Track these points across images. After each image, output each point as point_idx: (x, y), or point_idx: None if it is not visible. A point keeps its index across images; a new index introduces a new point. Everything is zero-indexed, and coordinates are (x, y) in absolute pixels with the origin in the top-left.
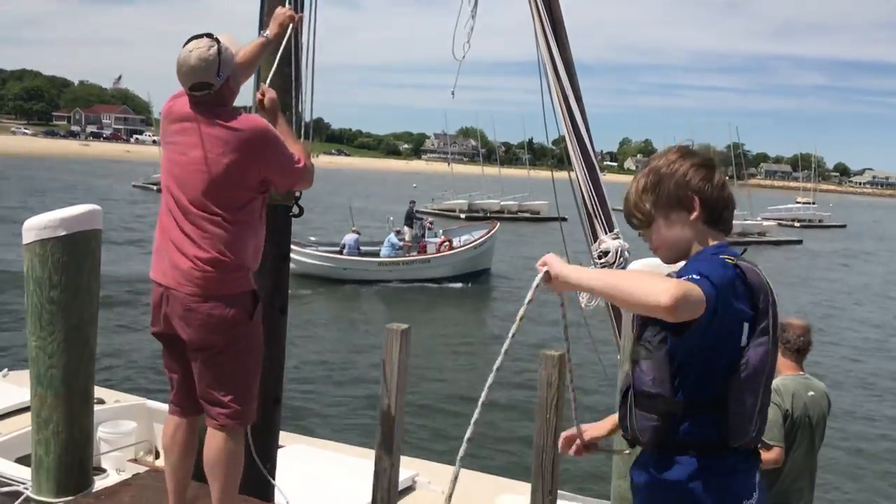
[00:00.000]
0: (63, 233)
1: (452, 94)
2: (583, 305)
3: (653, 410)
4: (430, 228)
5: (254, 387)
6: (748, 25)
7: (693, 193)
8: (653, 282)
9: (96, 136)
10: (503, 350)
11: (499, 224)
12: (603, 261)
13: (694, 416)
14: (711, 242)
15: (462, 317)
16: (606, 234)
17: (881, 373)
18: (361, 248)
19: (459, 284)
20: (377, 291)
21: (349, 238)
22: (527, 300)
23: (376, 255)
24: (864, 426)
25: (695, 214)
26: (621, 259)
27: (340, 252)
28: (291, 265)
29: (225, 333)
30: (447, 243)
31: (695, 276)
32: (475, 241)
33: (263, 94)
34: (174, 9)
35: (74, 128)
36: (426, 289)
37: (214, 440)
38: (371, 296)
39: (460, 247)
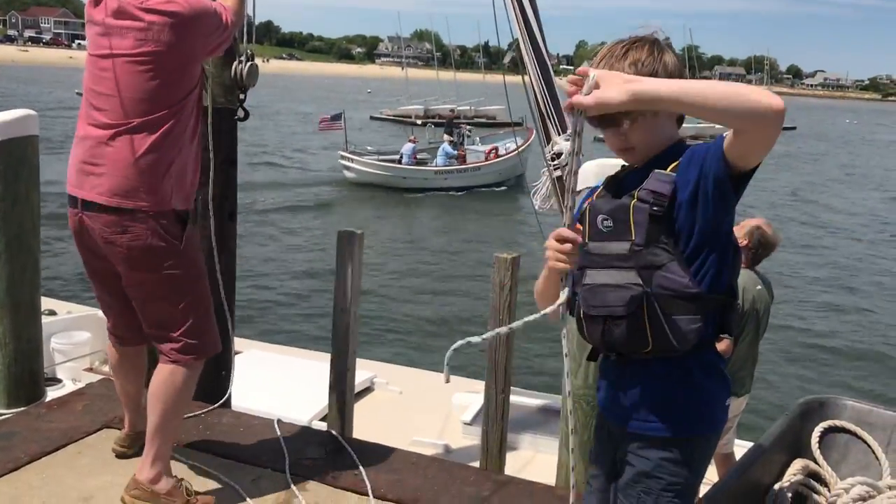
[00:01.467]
0: None
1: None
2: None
3: (697, 311)
4: (468, 136)
5: (205, 316)
6: None
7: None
8: (749, 88)
9: (35, 40)
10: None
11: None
12: (556, 162)
13: (717, 308)
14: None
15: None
16: (559, 135)
17: (813, 264)
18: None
19: (504, 188)
20: (433, 198)
21: (406, 147)
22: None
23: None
24: (799, 315)
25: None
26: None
27: (399, 161)
28: (351, 174)
29: (153, 266)
30: (494, 151)
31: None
32: (519, 148)
33: None
34: None
35: (11, 32)
36: (478, 194)
37: (164, 373)
38: (428, 202)
39: (505, 154)
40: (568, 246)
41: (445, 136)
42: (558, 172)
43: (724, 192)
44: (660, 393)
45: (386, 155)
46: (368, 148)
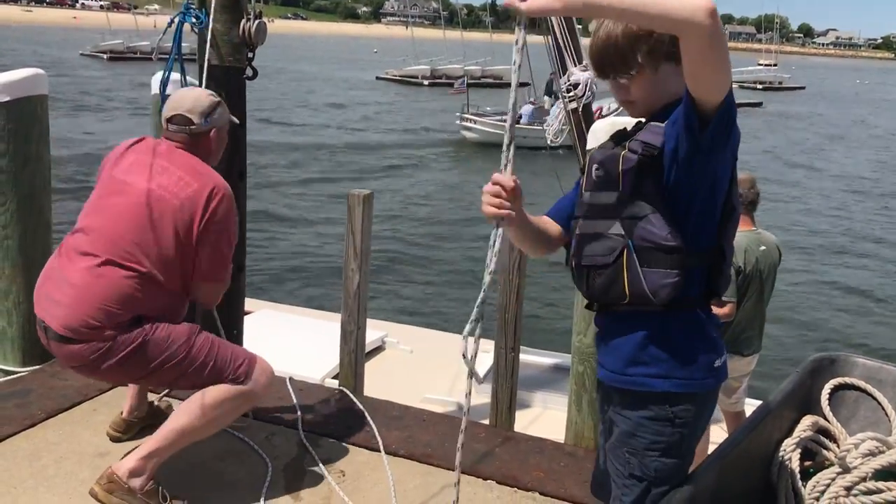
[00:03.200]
0: (6, 98)
1: None
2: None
3: (673, 265)
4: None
5: (222, 362)
6: None
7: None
8: None
9: (39, 0)
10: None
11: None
12: (572, 93)
13: (700, 267)
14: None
15: None
16: (576, 66)
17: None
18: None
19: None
20: (549, 156)
21: (526, 108)
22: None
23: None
24: (809, 276)
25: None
26: (589, 92)
27: (518, 121)
28: (472, 134)
29: (151, 364)
30: (599, 111)
31: None
32: (618, 108)
33: None
34: None
35: None
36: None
37: (224, 389)
38: (541, 160)
39: (609, 113)
40: (496, 188)
41: (546, 98)
42: (573, 104)
43: (694, 137)
44: (639, 348)
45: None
46: (489, 109)
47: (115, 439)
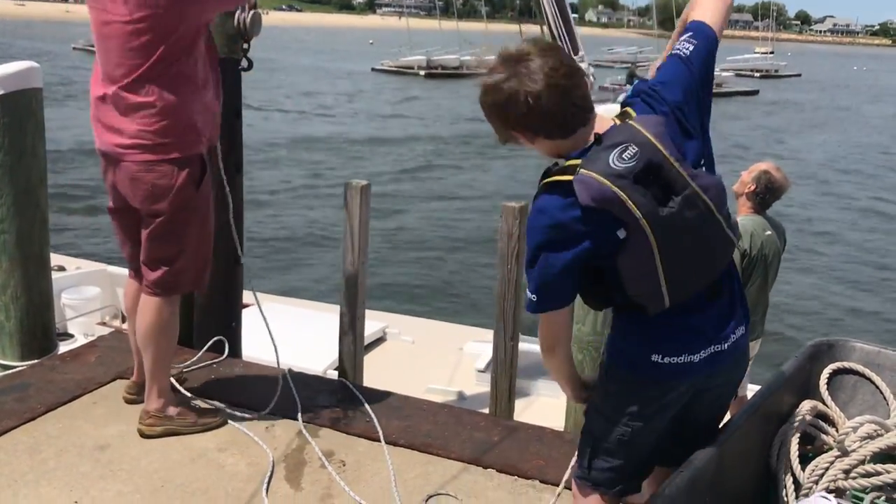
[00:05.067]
0: (0, 92)
1: None
2: None
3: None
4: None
5: (189, 257)
6: None
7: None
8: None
9: None
10: None
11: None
12: None
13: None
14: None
15: None
16: (573, 55)
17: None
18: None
19: None
20: None
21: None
22: None
23: None
24: (813, 260)
25: (525, 140)
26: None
27: None
28: None
29: (168, 201)
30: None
31: (529, 295)
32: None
33: None
34: None
35: None
36: None
37: (145, 307)
38: None
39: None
40: None
41: (628, 86)
42: None
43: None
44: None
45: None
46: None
47: (131, 402)
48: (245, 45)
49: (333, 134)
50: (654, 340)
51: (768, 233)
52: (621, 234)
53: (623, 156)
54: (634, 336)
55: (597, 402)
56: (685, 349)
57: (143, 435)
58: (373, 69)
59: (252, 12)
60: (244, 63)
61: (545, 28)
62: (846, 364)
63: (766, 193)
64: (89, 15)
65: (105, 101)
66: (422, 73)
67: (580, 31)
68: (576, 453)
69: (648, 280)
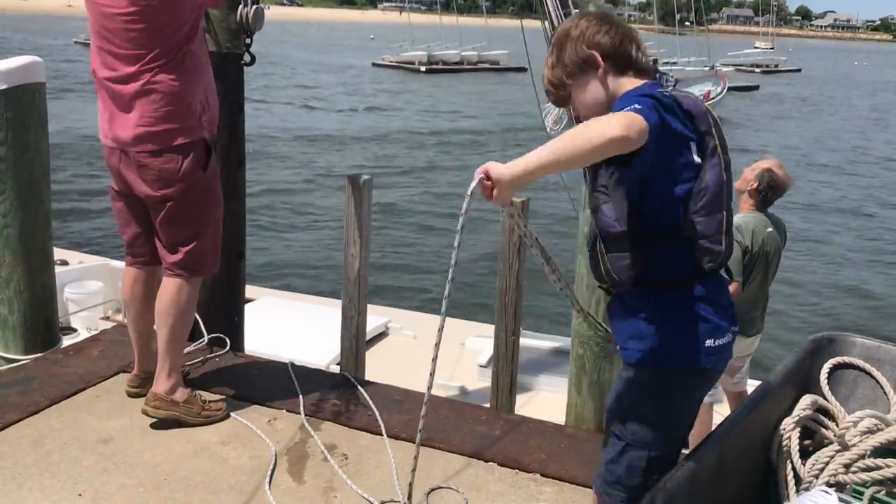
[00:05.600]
0: (4, 86)
1: None
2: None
3: (623, 249)
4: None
5: (207, 239)
6: None
7: (591, 49)
8: (596, 125)
9: None
10: (453, 258)
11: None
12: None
13: (663, 248)
14: (629, 87)
15: None
16: None
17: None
18: None
19: None
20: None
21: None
22: (463, 209)
23: None
24: (813, 255)
25: (601, 70)
26: None
27: None
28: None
29: (177, 185)
30: (706, 94)
31: (635, 107)
32: (721, 93)
33: None
34: None
35: None
36: None
37: (166, 288)
38: None
39: (714, 98)
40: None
41: None
42: None
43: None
44: (628, 323)
45: None
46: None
47: (134, 395)
48: (248, 40)
49: (334, 128)
50: (705, 323)
51: (769, 230)
52: (697, 158)
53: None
54: (687, 322)
55: (636, 410)
56: (725, 329)
57: (147, 415)
58: (373, 64)
59: (255, 7)
60: (247, 58)
61: (546, 23)
62: (846, 359)
63: (768, 191)
64: (87, 9)
65: (108, 91)
66: (422, 68)
67: None
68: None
69: (714, 218)
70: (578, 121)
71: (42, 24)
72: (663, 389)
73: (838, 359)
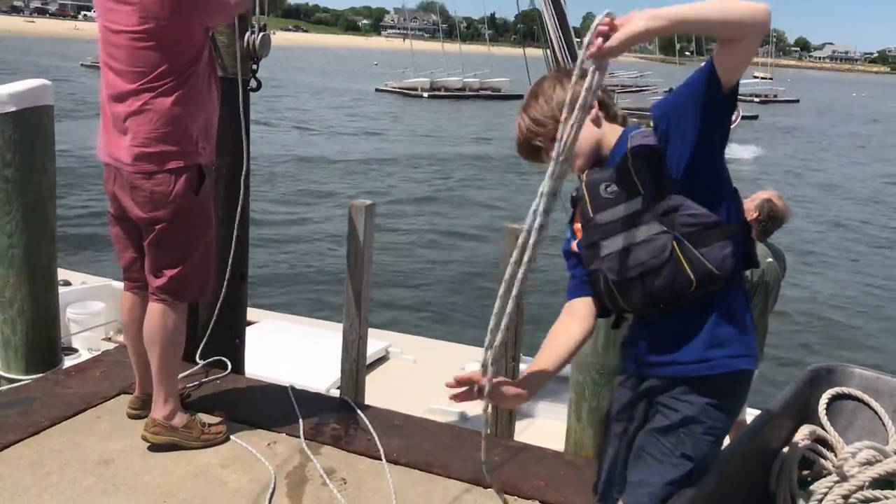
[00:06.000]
0: (13, 108)
1: None
2: None
3: (724, 237)
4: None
5: (195, 264)
6: None
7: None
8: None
9: (41, 11)
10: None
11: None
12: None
13: (737, 239)
14: (614, 132)
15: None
16: None
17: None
18: None
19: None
20: None
21: None
22: (579, 60)
23: None
24: (810, 285)
25: (593, 112)
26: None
27: None
28: None
29: (167, 208)
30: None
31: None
32: (735, 121)
33: None
34: None
35: (17, 2)
36: None
37: (151, 314)
38: None
39: (731, 124)
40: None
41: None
42: None
43: (721, 111)
44: (713, 330)
45: None
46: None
47: (135, 416)
48: (254, 66)
49: (337, 151)
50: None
51: (769, 260)
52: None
53: None
54: (750, 321)
55: (715, 430)
56: None
57: (146, 441)
58: (376, 90)
59: (262, 34)
60: (253, 83)
61: (548, 52)
62: (845, 389)
63: (768, 221)
64: (97, 26)
65: (110, 109)
66: (425, 94)
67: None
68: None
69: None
70: (574, 161)
71: (49, 46)
72: (740, 397)
73: (837, 389)
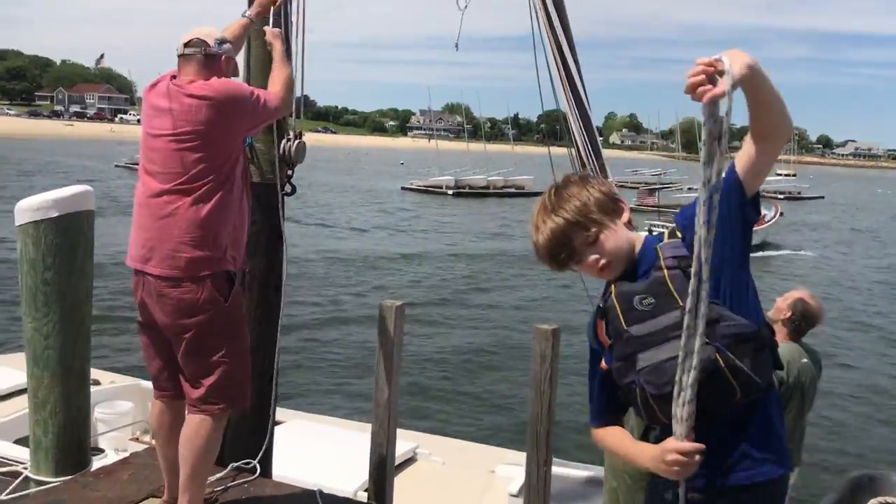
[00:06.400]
0: (56, 214)
1: (456, 46)
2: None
3: (764, 346)
4: None
5: (232, 372)
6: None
7: (618, 198)
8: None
9: (80, 115)
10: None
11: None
12: None
13: (769, 343)
14: (638, 241)
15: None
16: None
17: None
18: None
19: (760, 253)
20: None
21: None
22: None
23: None
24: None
25: (626, 216)
26: None
27: None
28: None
29: (196, 317)
30: (763, 217)
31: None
32: (774, 217)
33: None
34: None
35: (58, 107)
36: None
37: (190, 424)
38: None
39: (769, 222)
40: (690, 457)
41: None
42: None
43: (747, 216)
44: (745, 440)
45: None
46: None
47: None
48: (289, 171)
49: (364, 250)
50: None
51: (804, 360)
52: None
53: None
54: (784, 427)
55: None
56: None
57: None
58: (402, 188)
59: (297, 141)
60: (287, 188)
61: (573, 150)
62: (889, 499)
63: (801, 321)
64: (140, 133)
65: (142, 211)
66: (450, 192)
67: (607, 154)
68: None
69: None
70: (602, 271)
71: (86, 148)
72: (782, 500)
73: (880, 499)
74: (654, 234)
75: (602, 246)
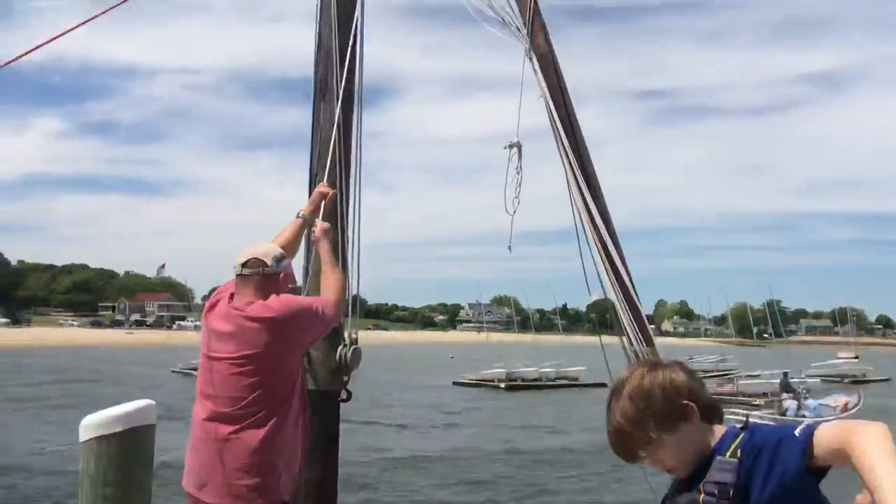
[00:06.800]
0: (119, 429)
1: (510, 248)
2: None
3: None
4: (805, 397)
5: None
6: (773, 185)
7: (686, 399)
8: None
9: (140, 323)
10: None
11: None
12: None
13: None
14: (718, 435)
15: None
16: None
17: None
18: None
19: None
20: None
21: (791, 403)
22: None
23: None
24: None
25: (696, 418)
26: None
27: (783, 414)
28: None
29: None
30: (844, 404)
31: (807, 427)
32: (857, 403)
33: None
34: (212, 201)
35: (119, 317)
36: None
37: None
38: None
39: (852, 409)
40: None
41: (784, 395)
42: None
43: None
44: None
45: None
46: (756, 402)
47: None
48: (346, 378)
49: (418, 448)
50: None
51: None
52: None
53: None
54: None
55: None
56: None
57: None
58: (454, 383)
59: (353, 347)
60: (343, 394)
61: (624, 339)
62: None
63: None
64: (200, 356)
65: (201, 433)
66: (502, 385)
67: (658, 341)
68: None
69: None
70: (673, 471)
71: (145, 355)
72: None
73: None
74: (737, 426)
75: (659, 456)
